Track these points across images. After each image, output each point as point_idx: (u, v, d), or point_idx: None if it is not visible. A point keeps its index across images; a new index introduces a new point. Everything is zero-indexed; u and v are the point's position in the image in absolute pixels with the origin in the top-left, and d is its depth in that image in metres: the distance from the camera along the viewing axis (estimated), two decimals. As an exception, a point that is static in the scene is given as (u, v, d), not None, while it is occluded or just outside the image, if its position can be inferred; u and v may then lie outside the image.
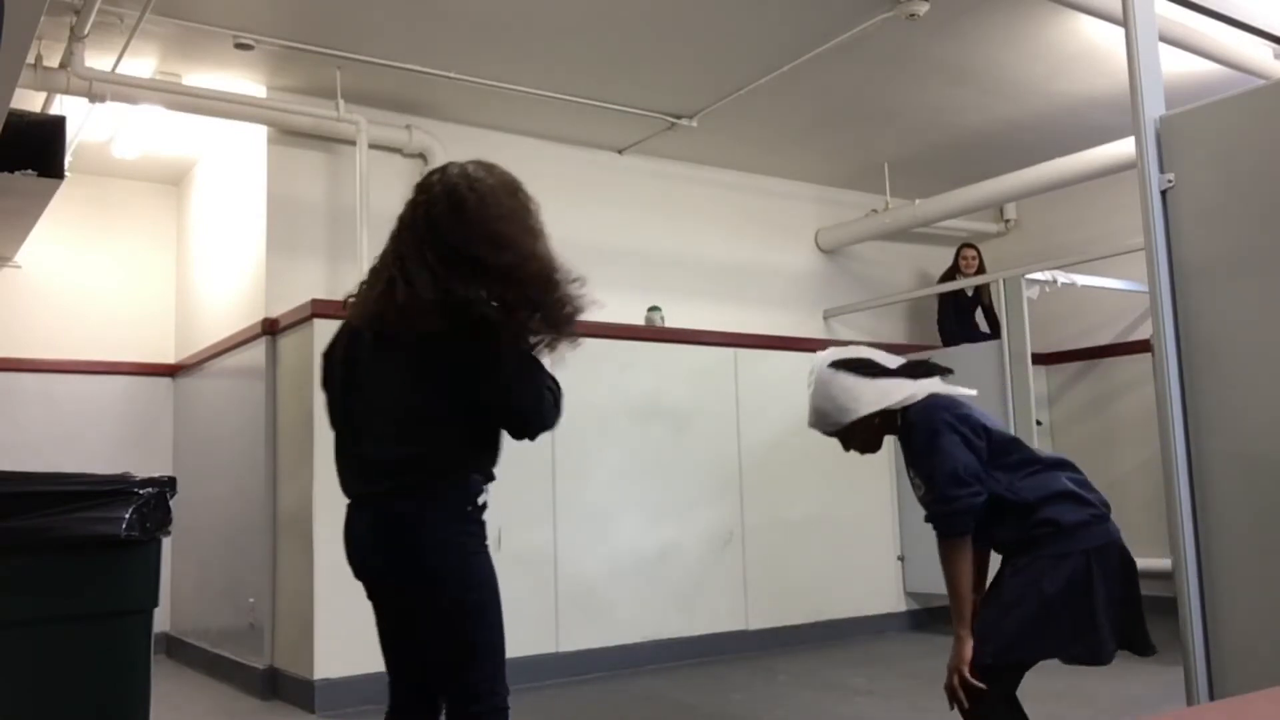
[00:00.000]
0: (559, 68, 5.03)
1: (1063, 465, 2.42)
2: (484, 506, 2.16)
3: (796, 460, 5.58)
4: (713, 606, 5.33)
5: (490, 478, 2.19)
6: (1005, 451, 2.38)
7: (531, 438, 2.18)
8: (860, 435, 2.51)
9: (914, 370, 2.51)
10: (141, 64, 4.76)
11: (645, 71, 5.11)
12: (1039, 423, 5.80)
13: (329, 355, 2.29)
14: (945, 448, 2.33)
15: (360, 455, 2.19)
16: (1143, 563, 7.35)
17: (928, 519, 2.37)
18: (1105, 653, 2.28)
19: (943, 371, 2.53)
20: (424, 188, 2.19)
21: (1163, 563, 6.25)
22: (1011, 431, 5.43)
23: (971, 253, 6.74)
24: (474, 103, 5.36)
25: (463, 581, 2.10)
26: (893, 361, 2.55)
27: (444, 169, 2.21)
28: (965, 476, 2.31)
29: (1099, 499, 2.38)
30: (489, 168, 2.20)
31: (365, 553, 2.17)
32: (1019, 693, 2.37)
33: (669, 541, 5.23)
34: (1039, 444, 5.61)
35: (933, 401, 2.42)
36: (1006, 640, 2.29)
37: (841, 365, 2.51)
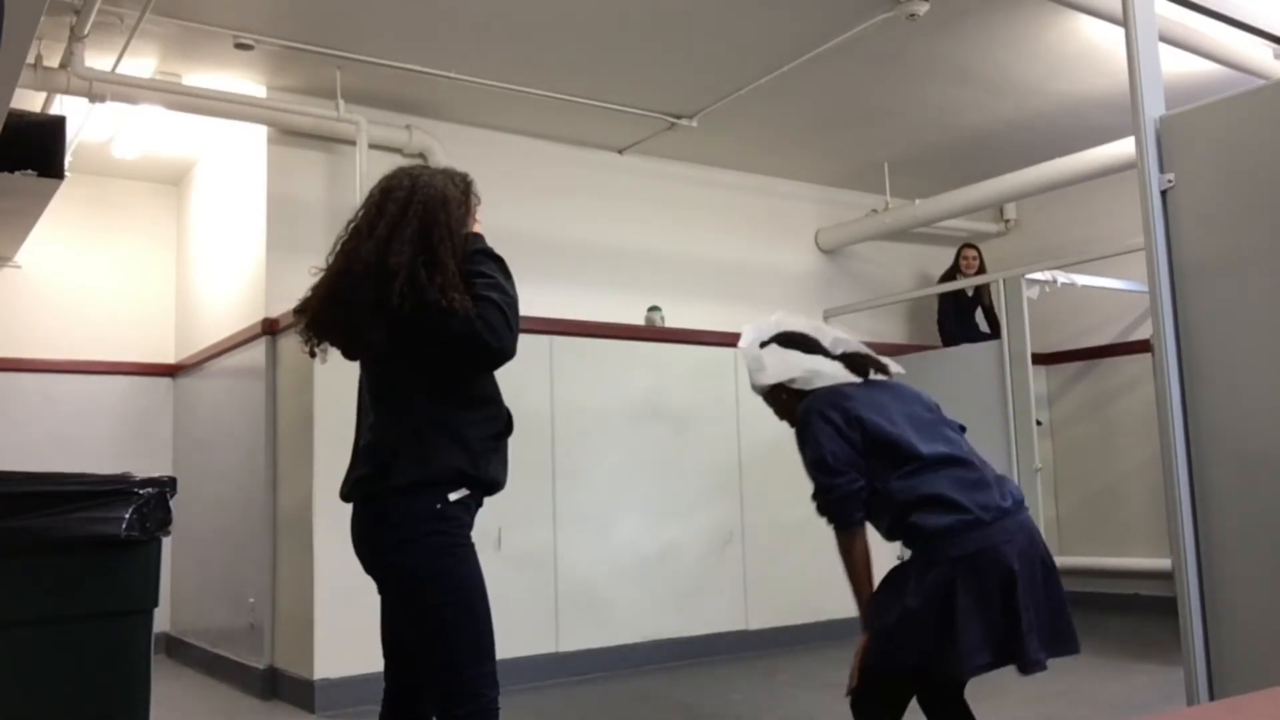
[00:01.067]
0: (559, 68, 5.03)
1: (949, 462, 2.32)
2: (459, 503, 2.12)
3: (796, 460, 5.53)
4: (713, 606, 5.33)
5: (470, 476, 2.14)
6: (885, 448, 2.33)
7: (487, 355, 2.10)
8: (778, 406, 2.60)
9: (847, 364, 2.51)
10: (141, 64, 4.76)
11: (645, 71, 5.11)
12: (1039, 423, 5.80)
13: None
14: (816, 437, 2.35)
15: (354, 453, 2.26)
16: (1143, 563, 7.30)
17: (819, 512, 2.38)
18: (965, 667, 2.18)
19: (876, 368, 2.53)
20: None
21: (1163, 563, 6.25)
22: (1012, 430, 5.50)
23: (972, 253, 6.74)
24: (474, 103, 5.36)
25: (438, 582, 2.09)
26: (836, 347, 2.59)
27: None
28: (835, 465, 2.31)
29: (979, 500, 2.25)
30: None
31: (356, 548, 2.21)
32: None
33: (669, 541, 5.23)
34: (1038, 444, 5.62)
35: (816, 393, 2.45)
36: (874, 647, 2.29)
37: (772, 338, 2.58)
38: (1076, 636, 2.29)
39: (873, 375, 2.53)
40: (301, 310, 2.24)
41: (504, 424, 2.23)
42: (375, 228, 2.14)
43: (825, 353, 2.57)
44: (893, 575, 2.33)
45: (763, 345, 2.60)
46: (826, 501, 2.35)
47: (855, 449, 2.33)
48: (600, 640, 4.95)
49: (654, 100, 5.47)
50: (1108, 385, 6.73)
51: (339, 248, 2.21)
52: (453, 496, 2.11)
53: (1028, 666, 2.18)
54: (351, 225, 2.22)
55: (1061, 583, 2.31)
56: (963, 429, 2.53)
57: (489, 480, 2.18)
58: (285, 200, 5.18)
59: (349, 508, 2.23)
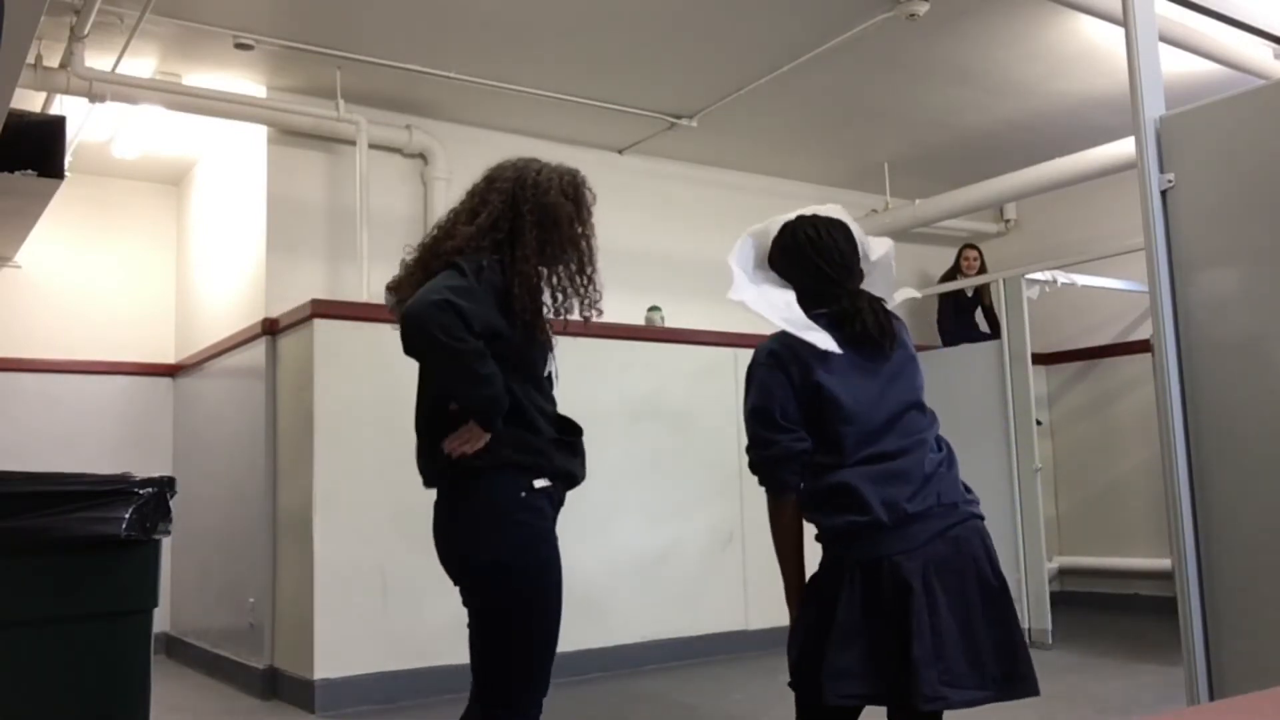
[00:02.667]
0: (559, 68, 5.03)
1: (879, 457, 1.99)
2: (543, 491, 2.07)
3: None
4: (713, 606, 5.33)
5: (545, 466, 2.08)
6: (819, 435, 2.03)
7: (407, 340, 1.99)
8: None
9: (847, 303, 2.15)
10: (141, 64, 4.76)
11: (645, 71, 5.11)
12: (1039, 423, 5.80)
13: None
14: (767, 383, 2.04)
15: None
16: (1143, 562, 7.28)
17: (751, 469, 2.08)
18: (826, 694, 1.87)
19: (875, 333, 2.11)
20: None
21: (1163, 563, 6.22)
22: (1012, 430, 5.49)
23: (974, 253, 6.75)
24: (474, 103, 5.36)
25: (511, 576, 2.04)
26: (870, 271, 2.33)
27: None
28: (781, 420, 2.00)
29: (887, 496, 1.93)
30: None
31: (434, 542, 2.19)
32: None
33: (669, 541, 5.23)
34: (1038, 444, 5.61)
35: (786, 333, 2.08)
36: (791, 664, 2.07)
37: (803, 231, 2.29)
38: (1032, 674, 1.95)
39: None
40: (393, 287, 2.25)
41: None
42: (477, 215, 2.19)
43: (851, 275, 2.27)
44: (811, 581, 2.09)
45: (775, 243, 2.30)
46: (761, 459, 2.03)
47: (802, 411, 2.01)
48: (600, 640, 4.95)
49: (654, 100, 5.47)
50: (1108, 385, 6.73)
51: (436, 231, 2.25)
52: (539, 481, 2.08)
53: (922, 702, 1.84)
54: (452, 211, 2.27)
55: (1015, 611, 1.99)
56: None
57: (558, 470, 2.13)
58: (285, 200, 5.18)
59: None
